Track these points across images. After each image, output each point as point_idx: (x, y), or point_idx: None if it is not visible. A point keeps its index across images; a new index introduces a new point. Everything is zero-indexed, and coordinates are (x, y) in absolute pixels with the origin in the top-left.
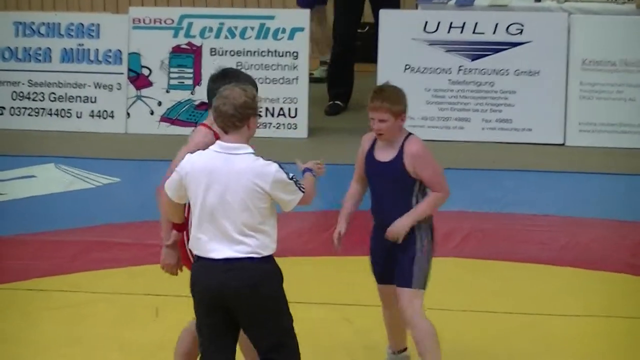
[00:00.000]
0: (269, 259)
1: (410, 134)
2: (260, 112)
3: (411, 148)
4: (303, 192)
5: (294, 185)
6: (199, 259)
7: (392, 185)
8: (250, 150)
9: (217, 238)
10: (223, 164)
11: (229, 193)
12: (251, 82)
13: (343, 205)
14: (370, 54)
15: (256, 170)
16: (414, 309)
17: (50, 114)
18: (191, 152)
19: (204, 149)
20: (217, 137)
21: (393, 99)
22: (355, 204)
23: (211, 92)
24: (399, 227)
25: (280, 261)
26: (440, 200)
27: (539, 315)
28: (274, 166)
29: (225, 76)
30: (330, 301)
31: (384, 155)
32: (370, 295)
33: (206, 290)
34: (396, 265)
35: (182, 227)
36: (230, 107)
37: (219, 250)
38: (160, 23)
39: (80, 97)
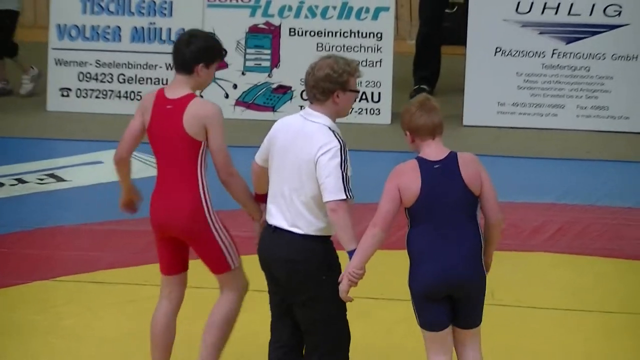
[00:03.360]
0: (316, 239)
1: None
2: (350, 88)
3: None
4: (347, 197)
5: (340, 181)
6: (265, 224)
7: None
8: (325, 122)
9: (275, 203)
10: (298, 127)
11: (289, 157)
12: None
13: None
14: (459, 36)
15: (317, 140)
16: None
17: (119, 97)
18: None
19: None
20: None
21: None
22: None
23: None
24: None
25: None
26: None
27: (637, 315)
28: (336, 146)
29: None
30: None
31: None
32: None
33: (261, 258)
34: None
35: (265, 197)
36: (312, 78)
37: (274, 217)
38: (237, 1)
39: (151, 78)
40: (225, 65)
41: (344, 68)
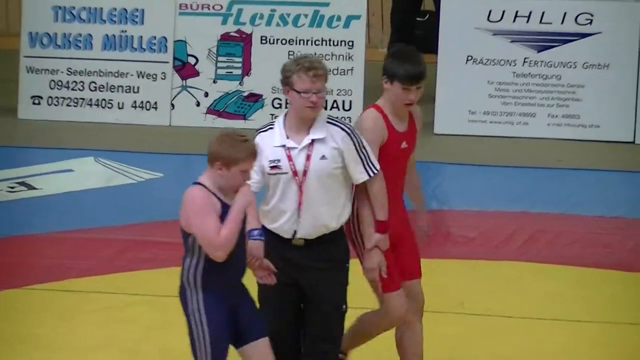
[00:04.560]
0: None
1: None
2: (294, 87)
3: None
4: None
5: None
6: None
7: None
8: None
9: None
10: None
11: None
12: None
13: None
14: (430, 44)
15: None
16: None
17: (90, 105)
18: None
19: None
20: (387, 120)
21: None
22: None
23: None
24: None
25: None
26: None
27: (607, 324)
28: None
29: None
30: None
31: None
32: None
33: None
34: None
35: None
36: None
37: None
38: (209, 9)
39: (122, 86)
40: (197, 74)
41: (290, 66)
